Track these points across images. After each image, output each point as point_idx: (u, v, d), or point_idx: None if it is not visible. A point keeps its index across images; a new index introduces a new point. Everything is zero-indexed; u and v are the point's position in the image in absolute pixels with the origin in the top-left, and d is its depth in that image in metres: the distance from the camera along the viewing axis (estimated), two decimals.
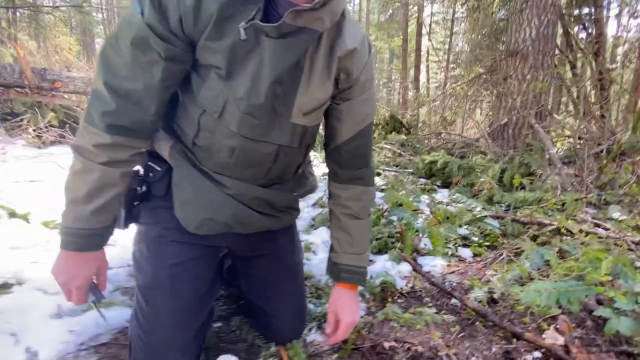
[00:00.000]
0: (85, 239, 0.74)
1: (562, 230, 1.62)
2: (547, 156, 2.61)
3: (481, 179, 2.60)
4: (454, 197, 2.36)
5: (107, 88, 0.67)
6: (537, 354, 0.99)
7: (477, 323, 1.16)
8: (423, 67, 13.47)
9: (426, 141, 4.77)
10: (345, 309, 0.89)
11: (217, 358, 0.91)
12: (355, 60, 0.76)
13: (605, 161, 2.31)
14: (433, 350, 1.02)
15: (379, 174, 3.13)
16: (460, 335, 1.10)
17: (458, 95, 5.90)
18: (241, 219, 0.83)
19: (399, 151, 4.00)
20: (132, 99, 0.68)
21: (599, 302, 1.15)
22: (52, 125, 3.39)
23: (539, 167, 2.49)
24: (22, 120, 3.29)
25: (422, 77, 13.23)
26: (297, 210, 0.98)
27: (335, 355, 0.99)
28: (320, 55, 0.72)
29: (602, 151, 2.55)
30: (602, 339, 1.05)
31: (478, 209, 1.87)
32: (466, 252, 1.67)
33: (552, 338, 1.03)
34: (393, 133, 5.22)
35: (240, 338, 1.05)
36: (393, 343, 1.04)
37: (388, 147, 4.09)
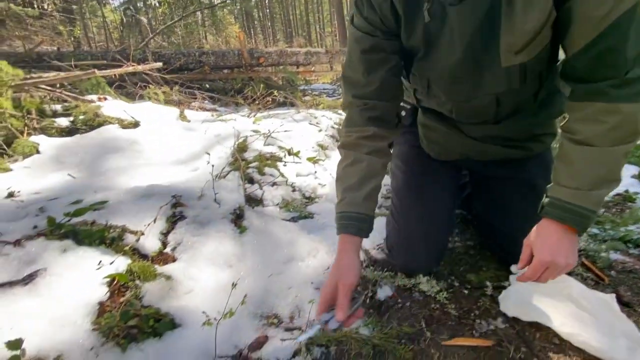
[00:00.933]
0: (358, 222, 0.80)
1: None
2: None
3: None
4: None
5: (356, 99, 0.83)
6: None
7: None
8: None
9: None
10: (544, 244, 0.69)
11: (510, 267, 0.91)
12: None
13: None
14: None
15: None
16: None
17: None
18: (476, 151, 0.95)
19: None
20: (376, 97, 0.82)
21: None
22: (262, 94, 4.30)
23: None
24: (244, 92, 4.32)
25: None
26: (552, 135, 0.96)
27: None
28: None
29: None
30: None
31: None
32: None
33: None
34: None
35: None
36: None
37: None
